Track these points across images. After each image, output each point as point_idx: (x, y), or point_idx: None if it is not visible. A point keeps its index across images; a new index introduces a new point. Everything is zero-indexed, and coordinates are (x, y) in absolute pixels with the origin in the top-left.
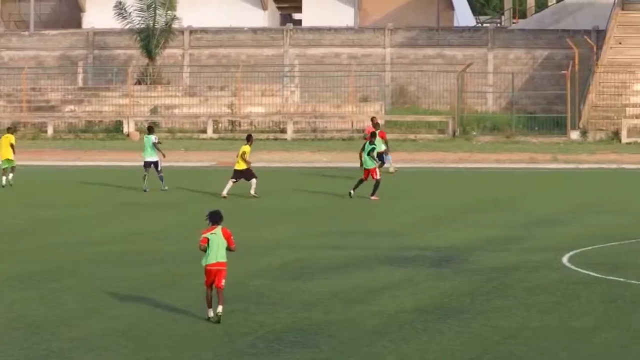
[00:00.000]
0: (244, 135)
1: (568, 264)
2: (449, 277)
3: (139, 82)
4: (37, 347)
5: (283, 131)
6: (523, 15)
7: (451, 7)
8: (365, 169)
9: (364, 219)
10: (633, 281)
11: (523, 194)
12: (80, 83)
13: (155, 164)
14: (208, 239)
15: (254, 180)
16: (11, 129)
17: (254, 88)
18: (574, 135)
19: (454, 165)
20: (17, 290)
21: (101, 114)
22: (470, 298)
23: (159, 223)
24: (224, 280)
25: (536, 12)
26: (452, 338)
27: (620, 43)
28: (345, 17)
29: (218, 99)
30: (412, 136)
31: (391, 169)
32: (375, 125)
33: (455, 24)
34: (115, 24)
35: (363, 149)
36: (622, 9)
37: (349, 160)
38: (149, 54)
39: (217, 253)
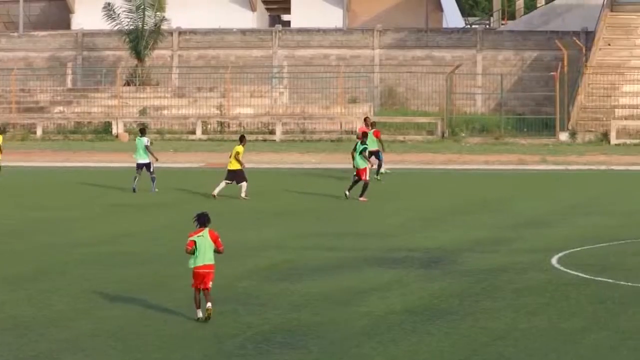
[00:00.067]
0: (233, 137)
1: (557, 265)
2: (438, 278)
3: (128, 83)
4: (26, 348)
5: (272, 132)
6: (512, 17)
7: (440, 8)
8: (356, 169)
9: (352, 220)
10: (622, 282)
11: (512, 195)
12: (69, 84)
13: (148, 165)
14: (195, 242)
15: (244, 184)
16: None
17: (242, 89)
18: (563, 136)
19: (443, 166)
20: (7, 292)
21: (90, 115)
22: (459, 299)
23: (148, 224)
24: (211, 283)
25: (525, 13)
26: (441, 339)
27: (609, 44)
28: (334, 18)
29: (207, 100)
30: (400, 137)
31: (382, 171)
32: (372, 124)
33: (444, 26)
34: (104, 25)
35: (355, 149)
36: (611, 11)
37: (338, 161)
38: (138, 55)
39: (205, 255)
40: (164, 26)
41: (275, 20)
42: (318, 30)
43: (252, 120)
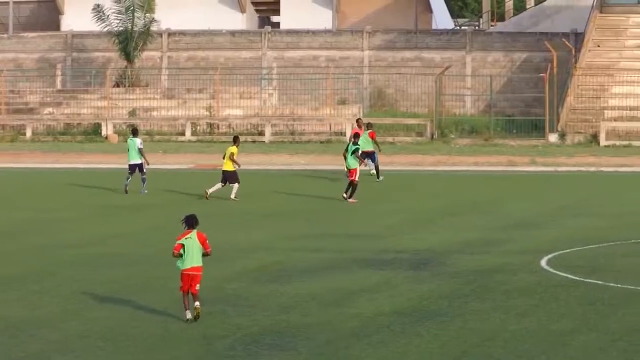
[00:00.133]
0: (223, 138)
1: (546, 267)
2: (427, 279)
3: (117, 85)
4: (16, 349)
5: (261, 134)
6: (501, 18)
7: (429, 9)
8: (348, 169)
9: (341, 221)
10: (611, 284)
11: (501, 196)
12: (58, 85)
13: (140, 166)
14: (183, 245)
15: (235, 185)
16: None
17: (232, 91)
18: (553, 138)
19: (432, 168)
20: None
21: (80, 117)
22: (449, 301)
23: (137, 225)
24: (198, 286)
25: (514, 15)
26: (430, 341)
27: (598, 46)
28: (324, 19)
29: (196, 102)
30: (390, 139)
31: (373, 171)
32: (368, 125)
33: (434, 27)
34: (93, 26)
35: (347, 149)
36: (601, 12)
37: (327, 162)
38: (128, 56)
39: (193, 258)
40: (154, 27)
41: (264, 21)
42: (307, 32)
43: (241, 122)
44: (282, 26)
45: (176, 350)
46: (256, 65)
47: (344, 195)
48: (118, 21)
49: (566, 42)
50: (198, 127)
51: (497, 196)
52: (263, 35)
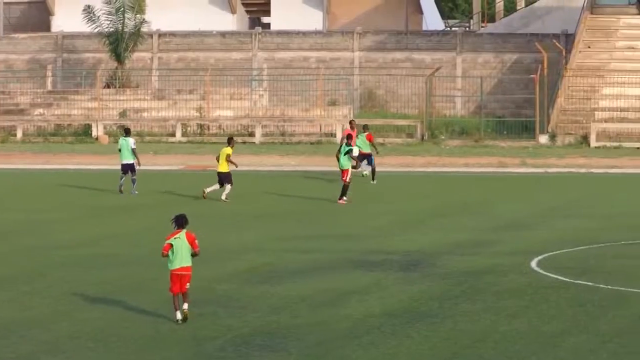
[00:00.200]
0: (213, 139)
1: (537, 268)
2: (418, 281)
3: (107, 86)
4: (6, 349)
5: (251, 135)
6: (492, 19)
7: (420, 11)
8: (341, 169)
9: (332, 222)
10: (601, 285)
11: (492, 198)
12: (49, 86)
13: (132, 166)
14: (172, 245)
15: (228, 186)
16: None
17: (222, 92)
18: (543, 139)
19: (423, 169)
20: None
21: (70, 118)
22: (439, 302)
23: (128, 226)
24: (188, 284)
25: (505, 16)
26: (420, 342)
27: (589, 47)
28: (314, 20)
29: (187, 103)
30: (380, 140)
31: (365, 172)
32: (364, 127)
33: (424, 28)
34: (84, 27)
35: (339, 151)
36: (591, 13)
37: (317, 163)
38: (118, 57)
39: (182, 258)
40: (144, 28)
41: (255, 22)
42: (298, 33)
43: (231, 123)
44: (273, 27)
45: (167, 351)
46: (246, 66)
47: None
48: (108, 22)
49: (557, 43)
50: (188, 128)
51: (487, 197)
52: (253, 36)
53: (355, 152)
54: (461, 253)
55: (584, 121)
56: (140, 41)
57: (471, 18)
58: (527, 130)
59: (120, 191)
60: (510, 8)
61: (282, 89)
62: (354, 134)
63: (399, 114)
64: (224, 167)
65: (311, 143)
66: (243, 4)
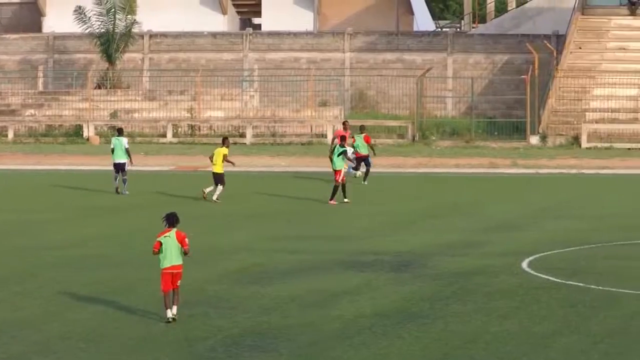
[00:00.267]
0: (204, 140)
1: (528, 269)
2: (408, 281)
3: (98, 86)
4: None
5: (242, 135)
6: (483, 20)
7: (411, 11)
8: (335, 170)
9: (323, 223)
10: (592, 286)
11: (482, 198)
12: (40, 87)
13: (124, 166)
14: (161, 243)
15: (220, 187)
16: None
17: (213, 92)
18: (534, 140)
19: (414, 170)
20: None
21: (61, 118)
22: (430, 303)
23: (118, 227)
24: (179, 282)
25: (496, 16)
26: (411, 343)
27: (580, 48)
28: (305, 21)
29: (177, 103)
30: (371, 141)
31: (358, 173)
32: (361, 128)
33: (415, 29)
34: (75, 28)
35: (333, 151)
36: (582, 14)
37: (308, 164)
38: (109, 58)
39: (172, 256)
40: (135, 29)
41: (246, 23)
42: (289, 34)
43: (222, 124)
44: (264, 28)
45: (157, 351)
46: (237, 67)
47: (345, 200)
48: (99, 23)
49: (548, 44)
50: (179, 129)
51: (478, 198)
52: (244, 37)
53: (350, 153)
54: (452, 254)
55: (575, 122)
56: (131, 42)
57: (462, 19)
58: (518, 131)
59: (117, 192)
60: (501, 9)
61: (273, 89)
62: (347, 134)
63: (389, 114)
64: (219, 168)
65: (302, 144)
66: (234, 4)
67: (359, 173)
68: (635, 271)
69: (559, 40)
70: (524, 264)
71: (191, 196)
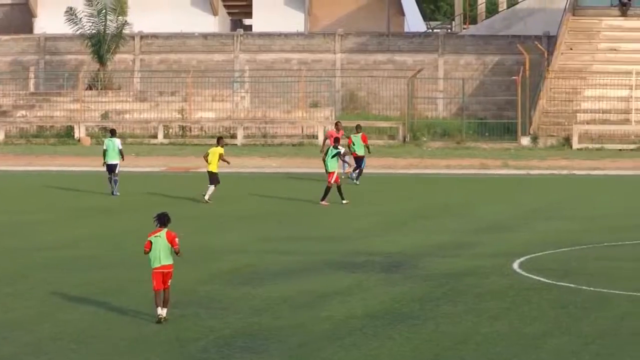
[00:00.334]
0: (195, 141)
1: (519, 270)
2: (399, 282)
3: (90, 87)
4: None
5: (233, 136)
6: (474, 21)
7: (402, 12)
8: (328, 172)
9: (314, 224)
10: (584, 287)
11: (473, 199)
12: (31, 88)
13: (116, 167)
14: (151, 243)
15: (211, 187)
16: None
17: (204, 93)
18: (525, 141)
19: (405, 171)
20: None
21: (52, 119)
22: (421, 304)
23: (110, 228)
24: (169, 281)
25: (487, 17)
26: (402, 343)
27: (571, 49)
28: (296, 22)
29: (169, 104)
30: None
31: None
32: (357, 127)
33: (406, 30)
34: (66, 29)
35: (326, 154)
36: (573, 15)
37: (299, 165)
38: (100, 59)
39: (161, 256)
40: (126, 30)
41: (236, 24)
42: (279, 35)
43: (213, 125)
44: (255, 29)
45: (149, 352)
46: (228, 68)
47: (342, 201)
48: (91, 24)
49: (539, 45)
50: (170, 130)
51: (469, 199)
52: (235, 38)
53: (345, 153)
54: (443, 255)
55: (566, 123)
56: (122, 43)
57: (453, 20)
58: (509, 132)
59: (113, 194)
60: (492, 10)
61: (263, 90)
62: (340, 135)
63: (380, 115)
64: (214, 167)
65: (293, 145)
66: (225, 5)
67: (353, 174)
68: (626, 272)
69: (550, 41)
70: (515, 265)
71: (182, 197)
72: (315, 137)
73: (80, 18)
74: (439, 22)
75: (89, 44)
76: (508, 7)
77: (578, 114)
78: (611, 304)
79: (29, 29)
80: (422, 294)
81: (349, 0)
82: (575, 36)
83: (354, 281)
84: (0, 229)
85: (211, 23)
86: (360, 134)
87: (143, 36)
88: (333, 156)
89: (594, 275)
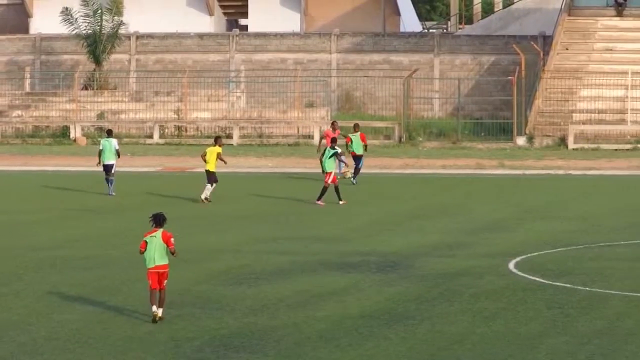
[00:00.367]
0: (190, 141)
1: (514, 270)
2: (395, 282)
3: (85, 88)
4: None
5: (229, 137)
6: (469, 21)
7: (397, 12)
8: (325, 172)
9: (310, 224)
10: (579, 287)
11: (469, 199)
12: (27, 88)
13: (112, 167)
14: (147, 243)
15: (209, 186)
16: None
17: (200, 93)
18: (521, 141)
19: (400, 171)
20: None
21: (48, 119)
22: (416, 304)
23: (105, 228)
24: (165, 281)
25: (483, 17)
26: (398, 344)
27: (567, 49)
28: (292, 22)
29: (164, 105)
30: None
31: (348, 174)
32: (355, 126)
33: (402, 30)
34: (62, 29)
35: (323, 154)
36: (569, 15)
37: (295, 165)
38: (96, 59)
39: (156, 256)
40: (122, 30)
41: (232, 24)
42: (275, 35)
43: (209, 125)
44: (250, 29)
45: (144, 352)
46: (224, 68)
47: (340, 202)
48: (86, 24)
49: (534, 45)
50: (166, 130)
51: (465, 199)
52: (231, 38)
53: (341, 153)
54: (439, 255)
55: (562, 123)
56: (118, 43)
57: (449, 20)
58: (504, 132)
59: (110, 194)
60: (487, 10)
61: (259, 90)
62: (336, 134)
63: (376, 115)
64: (212, 166)
65: (289, 145)
66: (220, 5)
67: (349, 174)
68: (622, 272)
69: (546, 41)
70: (511, 265)
71: (178, 197)
72: (311, 137)
73: (76, 18)
74: (434, 22)
75: (85, 44)
76: (504, 7)
77: (574, 114)
78: (607, 303)
79: (25, 29)
80: (418, 294)
81: (344, 0)
82: (571, 36)
83: (350, 281)
84: None
85: (207, 23)
86: (359, 133)
87: (139, 36)
88: (330, 156)
89: (590, 275)
